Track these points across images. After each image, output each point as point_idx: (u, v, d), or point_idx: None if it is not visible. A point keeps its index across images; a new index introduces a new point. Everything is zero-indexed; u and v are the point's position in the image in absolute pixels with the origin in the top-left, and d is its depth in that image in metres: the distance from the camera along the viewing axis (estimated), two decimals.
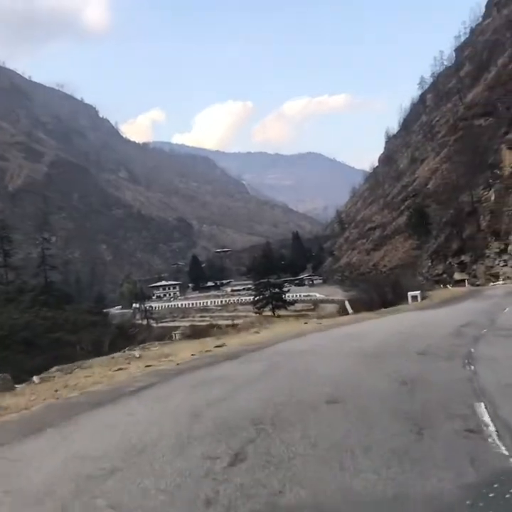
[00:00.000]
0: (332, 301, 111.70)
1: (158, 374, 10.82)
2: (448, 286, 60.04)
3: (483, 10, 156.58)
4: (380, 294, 39.51)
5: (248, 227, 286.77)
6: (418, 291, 38.59)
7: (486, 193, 70.63)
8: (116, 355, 14.82)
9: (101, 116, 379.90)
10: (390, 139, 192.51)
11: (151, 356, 13.26)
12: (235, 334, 21.89)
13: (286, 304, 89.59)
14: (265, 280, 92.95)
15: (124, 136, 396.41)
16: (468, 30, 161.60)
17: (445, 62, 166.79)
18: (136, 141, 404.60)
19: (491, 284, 69.89)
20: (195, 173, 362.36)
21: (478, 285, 69.13)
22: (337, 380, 9.00)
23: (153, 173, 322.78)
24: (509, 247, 66.37)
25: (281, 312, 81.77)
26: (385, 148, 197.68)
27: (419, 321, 19.21)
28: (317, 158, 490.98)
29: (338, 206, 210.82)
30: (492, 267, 71.55)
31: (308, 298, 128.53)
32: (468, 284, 63.40)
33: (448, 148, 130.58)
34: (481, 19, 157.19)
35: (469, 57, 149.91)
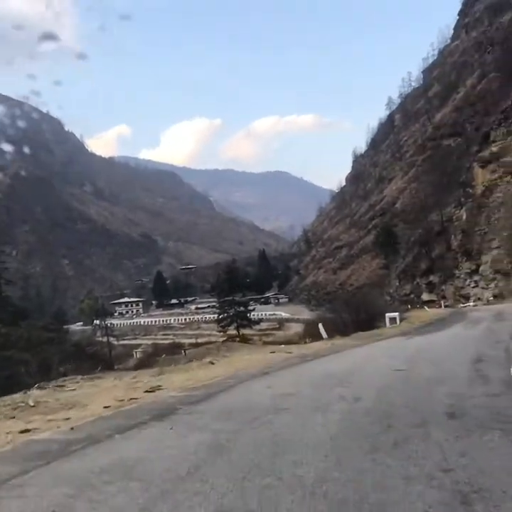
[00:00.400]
0: (297, 320, 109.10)
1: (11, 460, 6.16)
2: (425, 307, 56.50)
3: (451, 32, 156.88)
4: (352, 315, 35.60)
5: (214, 244, 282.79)
6: (397, 313, 35.04)
7: (457, 211, 68.04)
8: (6, 399, 10.44)
9: (66, 129, 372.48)
10: (358, 159, 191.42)
11: (50, 406, 9.02)
12: (184, 365, 17.65)
13: (251, 323, 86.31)
14: (230, 298, 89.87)
15: (89, 150, 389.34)
16: (436, 52, 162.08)
17: (413, 84, 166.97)
18: (102, 156, 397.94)
19: (461, 305, 67.04)
20: (162, 188, 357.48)
21: (449, 306, 66.13)
22: (324, 478, 4.94)
23: (119, 187, 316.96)
24: (481, 268, 63.60)
25: (246, 331, 79.20)
26: (352, 167, 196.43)
27: (414, 351, 15.33)
28: (285, 177, 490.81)
29: (304, 225, 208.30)
30: (462, 287, 68.73)
31: (274, 317, 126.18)
32: (444, 305, 60.13)
33: (416, 167, 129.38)
34: (449, 41, 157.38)
35: (438, 78, 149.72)
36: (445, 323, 28.31)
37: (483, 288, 63.25)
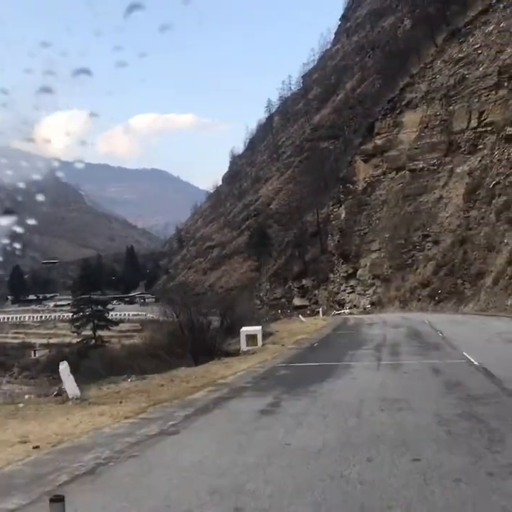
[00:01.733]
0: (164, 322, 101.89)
1: None
2: (300, 316, 46.15)
3: (333, 36, 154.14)
4: (200, 326, 24.98)
5: (83, 239, 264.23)
6: (258, 328, 24.49)
7: (335, 209, 60.80)
8: None
9: None
10: (235, 159, 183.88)
11: None
12: None
13: (109, 324, 76.44)
14: (86, 296, 79.61)
15: None
16: (317, 57, 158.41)
17: (293, 87, 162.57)
18: None
19: (335, 312, 59.65)
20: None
21: (337, 313, 58.18)
22: None
23: None
24: (358, 272, 56.44)
25: (104, 333, 73.37)
26: (229, 167, 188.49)
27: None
28: (161, 175, 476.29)
29: (179, 224, 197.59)
30: (337, 292, 61.44)
31: (137, 317, 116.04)
32: (322, 313, 50.73)
33: (293, 168, 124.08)
34: (330, 45, 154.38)
35: (318, 81, 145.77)
36: (334, 350, 19.23)
37: (360, 294, 56.32)
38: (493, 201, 38.28)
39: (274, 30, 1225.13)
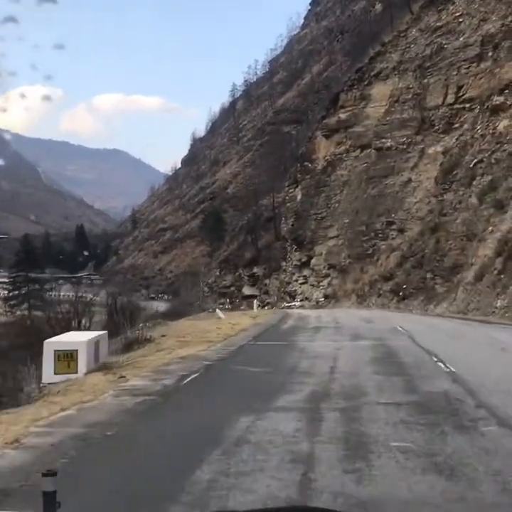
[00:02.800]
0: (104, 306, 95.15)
1: None
2: (218, 311, 33.96)
3: (302, 21, 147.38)
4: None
5: (36, 216, 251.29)
6: (90, 337, 13.61)
7: (291, 190, 53.50)
8: None
9: None
10: (196, 142, 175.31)
11: None
12: None
13: (46, 305, 70.45)
14: (23, 274, 77.16)
15: None
16: (284, 42, 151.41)
17: (258, 72, 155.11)
18: None
19: (285, 304, 52.64)
20: None
21: (271, 304, 51.13)
22: None
23: None
24: (313, 260, 49.29)
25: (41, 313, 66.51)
26: (189, 151, 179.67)
27: None
28: (123, 156, 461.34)
29: (136, 206, 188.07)
30: (289, 283, 54.25)
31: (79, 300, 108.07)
32: (258, 305, 41.98)
33: (253, 152, 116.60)
34: (299, 30, 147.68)
35: (284, 66, 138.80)
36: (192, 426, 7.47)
37: (313, 285, 49.36)
38: (474, 182, 31.69)
39: (245, 15, 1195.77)
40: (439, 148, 43.01)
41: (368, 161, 46.35)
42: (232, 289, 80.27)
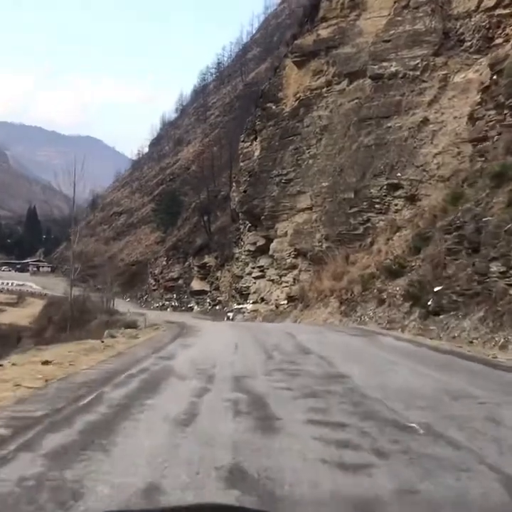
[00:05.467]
0: (44, 297, 79.24)
1: None
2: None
3: None
4: None
5: None
6: None
7: (247, 145, 35.96)
8: None
9: None
10: (166, 126, 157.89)
11: None
12: None
13: None
14: None
15: None
16: (261, 19, 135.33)
17: (233, 54, 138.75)
18: None
19: (235, 306, 35.93)
20: None
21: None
22: None
23: None
24: (273, 244, 31.51)
25: None
26: (158, 134, 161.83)
27: None
28: (96, 144, 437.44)
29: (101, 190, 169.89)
30: (240, 276, 36.77)
31: (18, 288, 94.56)
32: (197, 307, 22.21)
33: (219, 129, 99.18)
34: (276, 6, 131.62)
35: (258, 42, 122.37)
36: None
37: (273, 281, 32.00)
38: None
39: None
40: (472, 75, 26.23)
41: (359, 96, 29.14)
42: (180, 282, 62.95)
